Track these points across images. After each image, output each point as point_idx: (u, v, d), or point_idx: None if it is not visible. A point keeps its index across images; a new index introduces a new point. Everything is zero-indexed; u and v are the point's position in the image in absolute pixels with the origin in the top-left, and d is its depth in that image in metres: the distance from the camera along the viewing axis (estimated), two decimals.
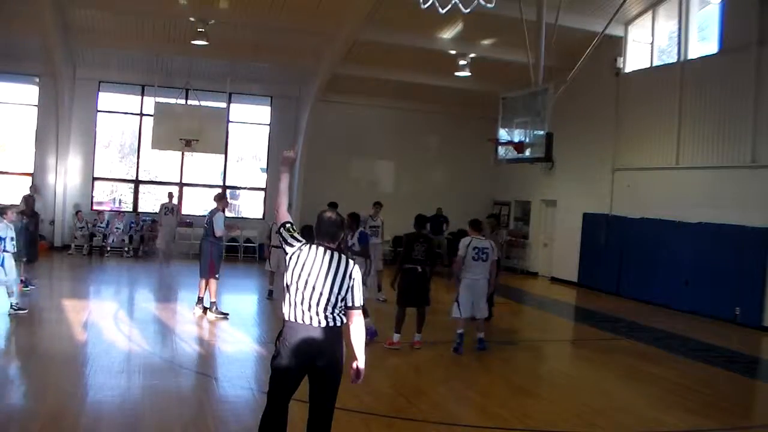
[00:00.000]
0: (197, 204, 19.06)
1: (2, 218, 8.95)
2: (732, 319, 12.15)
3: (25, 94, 17.75)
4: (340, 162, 19.48)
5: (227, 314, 9.99)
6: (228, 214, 11.44)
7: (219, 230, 9.94)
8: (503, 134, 11.72)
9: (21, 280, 11.23)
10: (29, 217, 11.45)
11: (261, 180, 19.76)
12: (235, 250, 18.26)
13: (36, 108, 17.66)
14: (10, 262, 9.02)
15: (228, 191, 19.14)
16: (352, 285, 4.05)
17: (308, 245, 4.09)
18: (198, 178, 19.46)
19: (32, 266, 11.47)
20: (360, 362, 4.08)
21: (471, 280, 8.66)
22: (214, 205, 10.34)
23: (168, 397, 6.15)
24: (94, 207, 18.14)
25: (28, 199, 11.99)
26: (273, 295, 11.77)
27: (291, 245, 4.09)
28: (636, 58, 15.71)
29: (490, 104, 14.07)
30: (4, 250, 8.90)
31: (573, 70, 11.44)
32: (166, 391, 6.37)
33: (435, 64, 17.09)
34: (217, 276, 10.08)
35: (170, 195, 16.81)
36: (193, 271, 10.49)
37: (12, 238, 8.99)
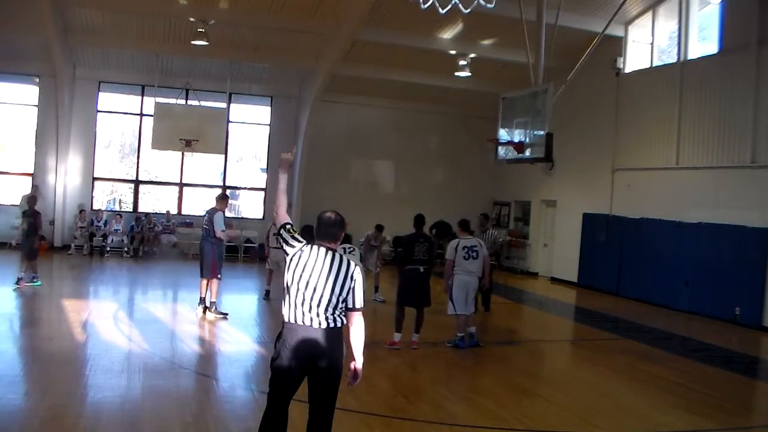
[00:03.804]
0: (197, 204, 19.08)
1: None
2: (732, 319, 12.14)
3: (25, 94, 17.77)
4: (340, 162, 19.49)
5: (226, 314, 9.98)
6: (228, 213, 11.47)
7: (219, 231, 9.89)
8: (503, 134, 11.72)
9: (18, 278, 11.28)
10: (30, 216, 11.47)
11: (261, 180, 19.77)
12: (235, 250, 18.25)
13: (36, 108, 17.68)
14: None
15: (228, 192, 19.16)
16: (353, 286, 4.03)
17: (309, 246, 4.08)
18: (198, 178, 19.47)
19: (32, 263, 11.47)
20: (358, 363, 4.07)
21: (465, 276, 8.80)
22: (213, 205, 10.30)
23: (168, 397, 6.14)
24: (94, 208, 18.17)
25: (30, 199, 12.00)
26: (270, 296, 11.78)
27: (291, 246, 4.08)
28: (636, 58, 15.71)
29: (490, 104, 14.07)
30: None
31: (573, 70, 11.46)
32: (166, 391, 6.36)
33: (435, 64, 17.10)
34: (219, 276, 10.08)
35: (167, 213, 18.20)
36: (193, 272, 10.47)
37: None
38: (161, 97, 17.55)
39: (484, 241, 9.93)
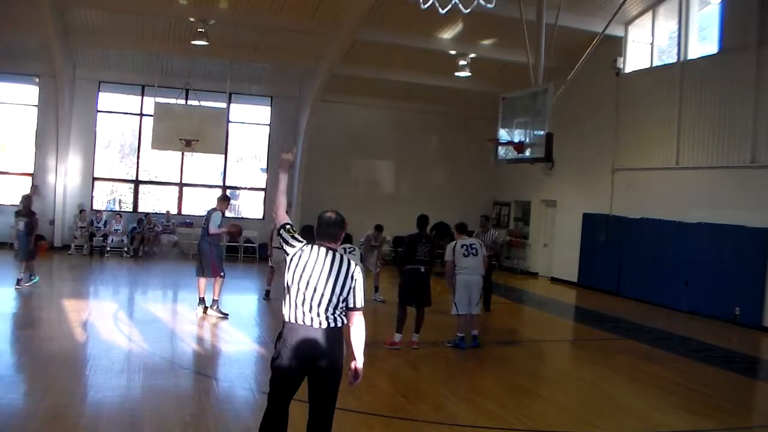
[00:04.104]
0: (197, 204, 19.09)
1: None
2: (732, 319, 12.14)
3: (25, 94, 17.77)
4: (340, 162, 19.49)
5: (227, 314, 9.98)
6: (228, 214, 11.51)
7: (213, 227, 9.90)
8: (503, 134, 11.72)
9: (18, 279, 11.25)
10: (25, 217, 11.43)
11: (261, 180, 19.76)
12: (235, 250, 18.26)
13: (36, 108, 17.68)
14: None
15: (228, 191, 19.17)
16: (354, 286, 4.04)
17: (309, 246, 4.08)
18: (198, 178, 19.47)
19: (29, 264, 11.43)
20: (358, 363, 4.07)
21: (466, 276, 8.80)
22: (214, 205, 10.32)
23: (168, 397, 6.14)
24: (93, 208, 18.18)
25: (24, 199, 11.93)
26: (270, 296, 11.78)
27: (292, 246, 4.08)
28: (636, 58, 15.71)
29: (490, 104, 14.07)
30: None
31: (573, 70, 11.45)
32: (166, 391, 6.36)
33: (435, 64, 17.10)
34: (222, 274, 10.08)
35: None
36: (193, 272, 10.46)
37: None
38: (161, 97, 17.55)
39: (484, 241, 10.11)
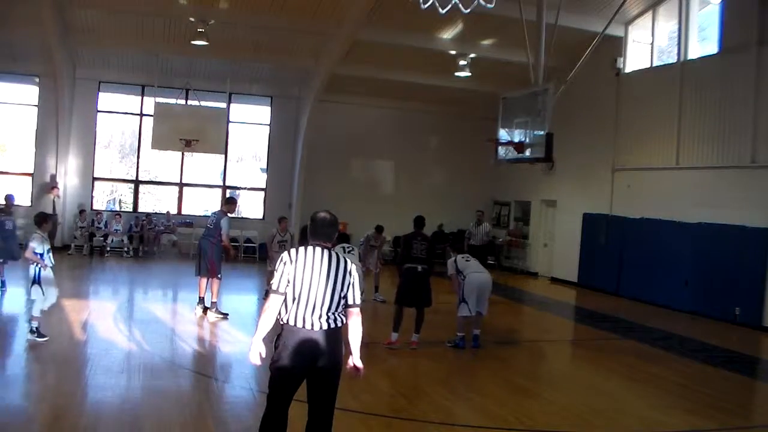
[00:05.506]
0: (197, 204, 19.08)
1: (38, 229, 7.87)
2: (732, 319, 12.14)
3: (25, 94, 17.77)
4: (340, 162, 19.49)
5: (227, 314, 9.99)
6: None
7: (225, 234, 9.99)
8: (503, 134, 11.72)
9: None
10: (11, 215, 11.36)
11: (261, 180, 19.76)
12: (235, 249, 18.23)
13: (36, 108, 17.68)
14: (47, 278, 7.87)
15: (229, 192, 19.17)
16: (352, 282, 4.06)
17: (304, 248, 4.09)
18: (198, 178, 19.47)
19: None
20: (356, 359, 4.09)
21: (477, 275, 8.90)
22: (218, 206, 10.32)
23: (168, 397, 6.14)
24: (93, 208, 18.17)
25: (8, 198, 11.76)
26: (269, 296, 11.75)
27: (284, 263, 4.03)
28: (636, 58, 15.71)
29: (490, 104, 14.07)
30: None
31: (573, 70, 11.46)
32: (166, 391, 6.36)
33: (435, 64, 17.10)
34: (219, 276, 10.08)
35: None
36: (193, 272, 10.46)
37: (48, 250, 7.84)
38: (161, 97, 17.54)
39: (478, 233, 10.36)
